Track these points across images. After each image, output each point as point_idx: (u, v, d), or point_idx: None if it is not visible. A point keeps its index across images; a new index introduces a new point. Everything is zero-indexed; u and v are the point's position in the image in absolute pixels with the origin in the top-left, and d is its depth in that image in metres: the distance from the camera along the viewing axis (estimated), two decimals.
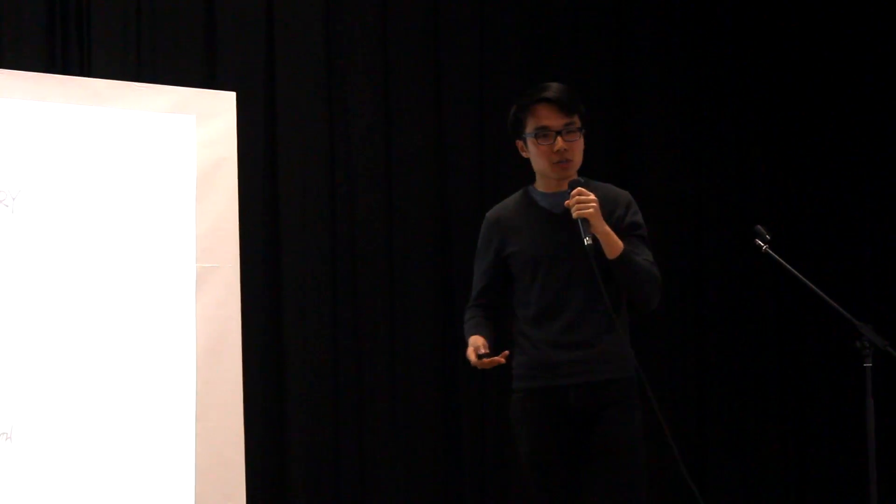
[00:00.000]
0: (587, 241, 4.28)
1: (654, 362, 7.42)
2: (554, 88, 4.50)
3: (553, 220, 4.50)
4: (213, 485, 5.77)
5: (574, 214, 4.32)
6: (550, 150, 4.46)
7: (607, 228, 4.36)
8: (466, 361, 6.65)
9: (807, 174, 8.11)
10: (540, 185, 4.59)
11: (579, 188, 4.35)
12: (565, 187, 4.42)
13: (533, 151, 4.52)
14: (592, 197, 4.34)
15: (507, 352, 4.32)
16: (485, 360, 4.28)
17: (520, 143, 4.58)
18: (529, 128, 4.50)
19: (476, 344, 4.36)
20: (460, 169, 7.07)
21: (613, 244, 4.37)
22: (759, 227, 5.02)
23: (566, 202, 4.36)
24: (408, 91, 6.98)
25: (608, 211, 4.44)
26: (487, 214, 4.67)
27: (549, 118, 4.46)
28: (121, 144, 5.74)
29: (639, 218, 4.57)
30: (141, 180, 5.76)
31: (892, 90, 8.31)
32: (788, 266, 4.92)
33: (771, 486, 7.76)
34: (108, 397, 5.59)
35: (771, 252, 4.95)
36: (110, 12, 6.19)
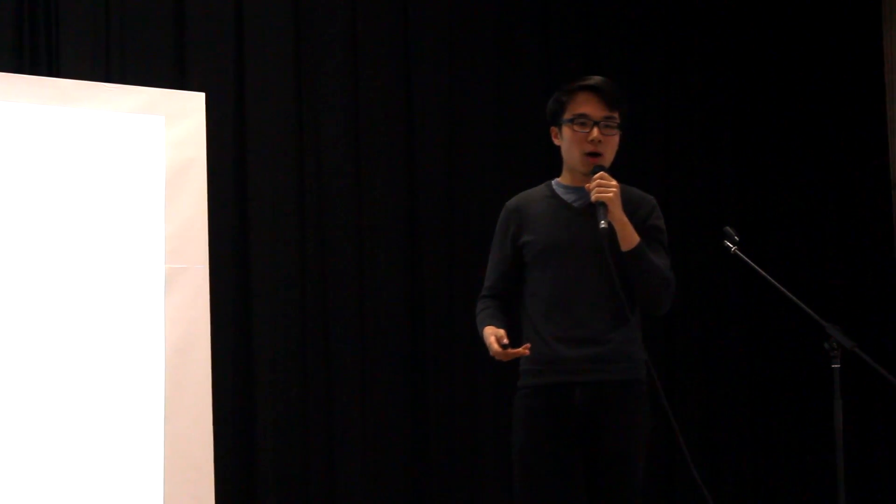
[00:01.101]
0: (602, 224, 4.24)
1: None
2: (600, 80, 4.45)
3: (572, 211, 4.45)
4: (182, 486, 5.76)
5: (593, 197, 4.27)
6: (585, 138, 4.40)
7: (625, 218, 4.31)
8: (437, 362, 6.68)
9: (776, 176, 8.14)
10: (564, 179, 4.53)
11: (602, 172, 4.32)
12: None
13: (567, 138, 4.45)
14: (614, 182, 4.30)
15: (528, 344, 4.26)
16: (509, 350, 4.22)
17: (554, 130, 4.52)
18: (568, 114, 4.43)
19: (497, 334, 4.26)
20: (430, 170, 7.07)
21: (630, 236, 4.32)
22: (728, 228, 5.03)
23: (587, 185, 4.32)
24: (377, 92, 6.98)
25: (630, 210, 4.38)
26: (507, 203, 4.60)
27: (590, 107, 4.41)
28: (89, 145, 5.72)
29: (661, 223, 4.53)
30: (110, 181, 5.74)
31: (859, 94, 8.35)
32: (757, 268, 4.93)
33: (740, 487, 7.78)
34: (76, 398, 5.56)
35: (740, 253, 4.97)
36: (79, 12, 6.17)
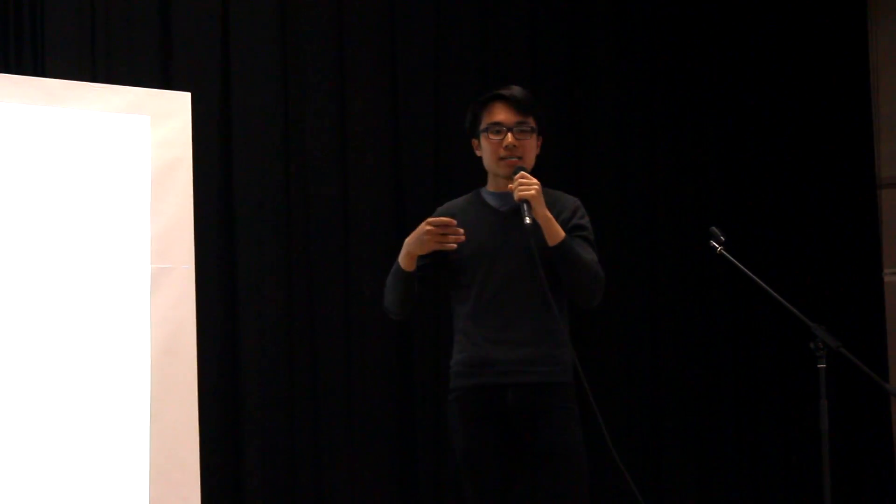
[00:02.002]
0: (527, 221, 4.32)
1: (608, 364, 7.46)
2: (511, 88, 4.59)
3: (499, 217, 4.56)
4: (168, 486, 5.75)
5: (516, 195, 4.38)
6: (500, 145, 4.53)
7: (549, 214, 4.41)
8: (423, 362, 6.67)
9: (762, 176, 8.16)
10: (490, 186, 4.67)
11: (523, 172, 4.43)
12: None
13: (484, 147, 4.59)
14: (535, 181, 4.40)
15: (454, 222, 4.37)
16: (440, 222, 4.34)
17: (475, 142, 4.66)
18: (483, 124, 4.58)
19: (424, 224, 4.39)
20: (416, 168, 7.08)
21: (555, 231, 4.41)
22: (713, 228, 5.04)
23: (509, 185, 4.43)
24: (364, 91, 6.98)
25: (555, 213, 4.48)
26: (437, 209, 4.71)
27: (503, 115, 4.55)
28: (75, 144, 5.70)
29: (585, 221, 4.61)
30: (95, 181, 5.73)
31: (845, 94, 8.37)
32: (743, 267, 4.94)
33: (725, 488, 7.79)
34: (62, 398, 5.55)
35: (726, 253, 4.97)
36: (64, 12, 6.15)
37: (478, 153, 4.66)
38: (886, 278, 8.60)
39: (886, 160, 8.60)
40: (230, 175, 6.53)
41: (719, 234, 5.00)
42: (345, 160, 6.87)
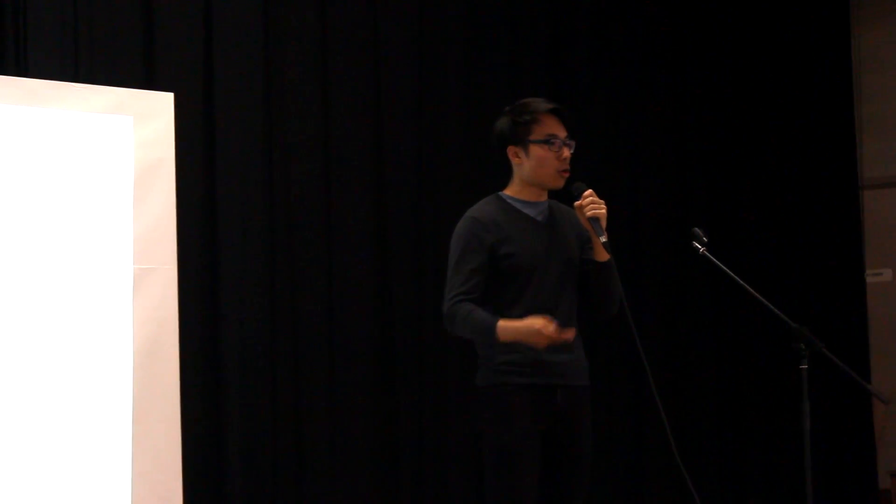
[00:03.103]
0: (604, 239, 4.52)
1: (592, 365, 7.46)
2: (556, 104, 4.73)
3: (539, 227, 4.69)
4: (150, 487, 5.74)
5: (588, 214, 4.55)
6: (558, 157, 4.65)
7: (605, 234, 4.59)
8: (406, 359, 6.67)
9: (745, 177, 8.17)
10: (517, 194, 4.74)
11: (590, 190, 4.60)
12: (543, 198, 4.71)
13: (537, 157, 4.67)
14: (602, 201, 4.58)
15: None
16: (564, 333, 4.41)
17: (514, 150, 4.71)
18: (537, 135, 4.66)
19: (541, 320, 4.39)
20: (399, 168, 7.08)
21: (604, 252, 4.61)
22: (696, 229, 5.04)
23: (577, 203, 4.60)
24: (347, 92, 6.97)
25: (574, 224, 4.72)
26: (474, 216, 4.71)
27: (558, 128, 4.68)
28: (57, 145, 5.69)
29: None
30: (78, 181, 5.71)
31: (828, 95, 8.39)
32: (726, 268, 4.94)
33: (709, 488, 7.80)
34: (45, 399, 5.53)
35: (708, 255, 4.97)
36: (47, 11, 6.13)
37: (515, 161, 4.71)
38: (869, 279, 8.63)
39: (869, 161, 8.63)
40: (213, 176, 6.52)
41: (702, 235, 5.00)
42: (328, 161, 6.87)
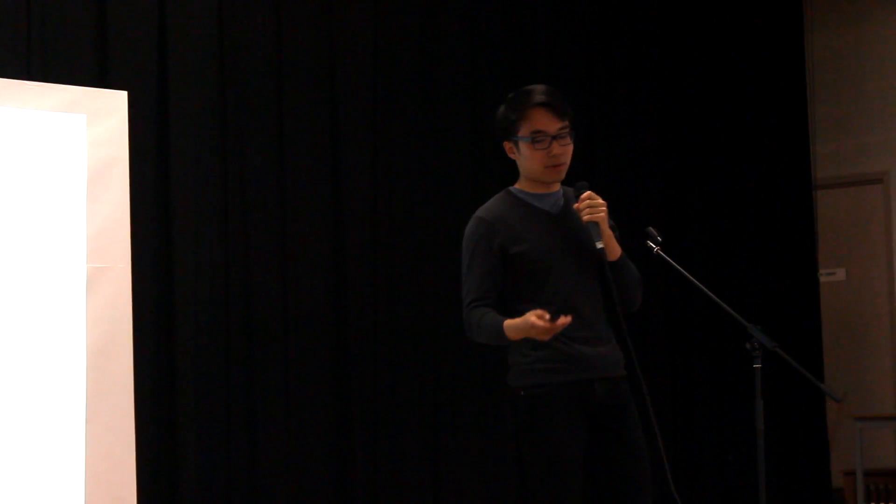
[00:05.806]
0: (599, 245, 4.43)
1: None
2: (547, 92, 4.59)
3: (553, 220, 4.59)
4: (104, 486, 5.71)
5: (585, 218, 4.46)
6: (546, 154, 4.53)
7: (610, 231, 4.53)
8: (362, 361, 6.67)
9: (699, 177, 8.21)
10: (527, 187, 4.64)
11: (590, 192, 4.51)
12: (556, 188, 4.60)
13: (526, 154, 4.57)
14: (602, 202, 4.49)
15: (570, 316, 4.30)
16: (555, 323, 4.24)
17: (508, 145, 4.62)
18: (524, 131, 4.55)
19: (537, 313, 4.25)
20: (354, 167, 7.07)
21: (614, 248, 4.56)
22: (650, 228, 5.05)
23: (575, 205, 4.50)
24: (301, 88, 6.97)
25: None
26: (480, 215, 4.63)
27: (545, 122, 4.54)
28: (9, 143, 5.65)
29: (613, 223, 4.65)
30: (30, 180, 5.68)
31: (781, 96, 8.44)
32: (680, 268, 4.96)
33: (660, 487, 7.82)
34: None
35: (662, 254, 4.98)
36: None
37: (511, 156, 4.63)
38: (822, 278, 8.69)
39: (822, 161, 8.68)
40: (167, 174, 6.50)
41: (656, 234, 5.01)
42: (282, 159, 6.86)
